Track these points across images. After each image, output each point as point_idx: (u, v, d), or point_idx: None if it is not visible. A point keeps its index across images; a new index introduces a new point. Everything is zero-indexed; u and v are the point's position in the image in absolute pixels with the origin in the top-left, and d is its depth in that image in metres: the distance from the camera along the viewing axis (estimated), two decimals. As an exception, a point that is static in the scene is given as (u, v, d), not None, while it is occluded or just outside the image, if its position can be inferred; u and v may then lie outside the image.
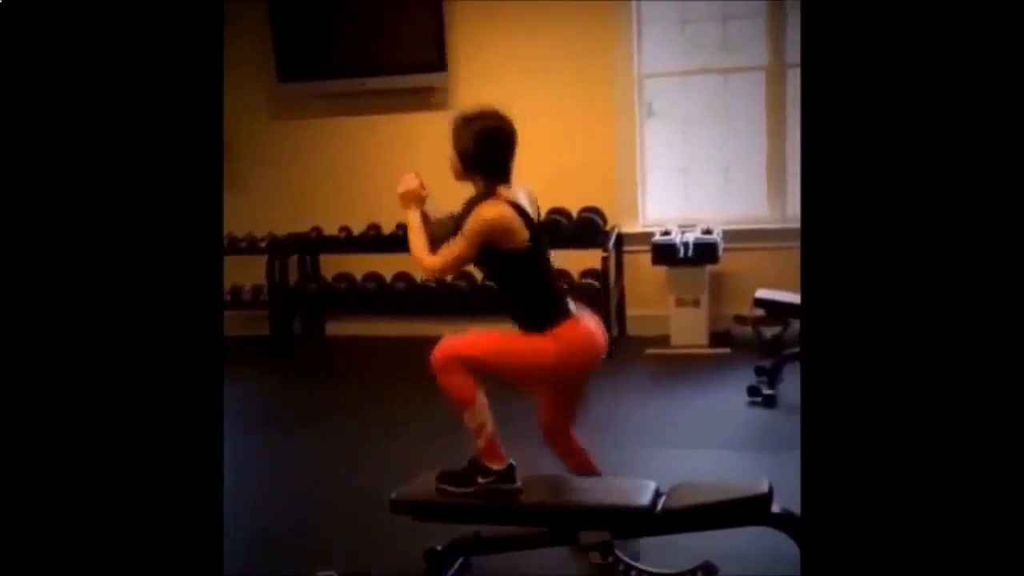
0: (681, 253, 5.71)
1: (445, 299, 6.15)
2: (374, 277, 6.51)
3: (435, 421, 3.49)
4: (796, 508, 2.25)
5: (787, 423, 4.17)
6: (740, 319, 5.81)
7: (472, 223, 2.72)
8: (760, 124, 6.13)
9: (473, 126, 2.77)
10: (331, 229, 6.58)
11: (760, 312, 5.25)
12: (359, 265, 6.53)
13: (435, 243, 2.84)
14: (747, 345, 5.64)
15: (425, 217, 2.90)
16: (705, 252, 5.73)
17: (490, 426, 2.69)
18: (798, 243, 1.74)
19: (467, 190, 2.84)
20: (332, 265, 6.69)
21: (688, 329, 5.84)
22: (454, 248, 2.75)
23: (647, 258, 5.89)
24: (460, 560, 2.85)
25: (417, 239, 2.84)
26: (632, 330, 6.23)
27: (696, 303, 5.84)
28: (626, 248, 6.22)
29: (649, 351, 5.84)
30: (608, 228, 6.08)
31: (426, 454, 3.70)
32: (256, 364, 6.00)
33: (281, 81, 6.56)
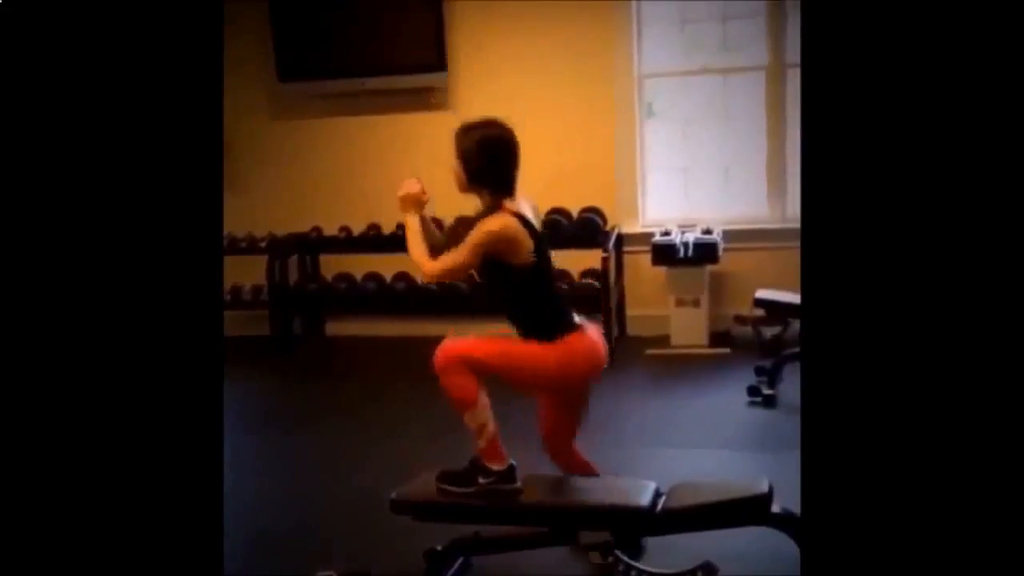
0: (681, 253, 5.71)
1: (445, 299, 6.15)
2: (374, 277, 6.51)
3: (435, 421, 3.49)
4: (796, 508, 2.25)
5: (787, 423, 4.17)
6: (740, 319, 5.81)
7: (476, 234, 2.71)
8: (760, 124, 6.13)
9: (477, 137, 2.76)
10: (331, 229, 6.58)
11: (760, 312, 5.25)
12: (359, 265, 6.53)
13: (435, 250, 2.84)
14: (747, 345, 5.64)
15: (424, 221, 2.90)
16: (705, 252, 5.73)
17: (491, 427, 2.69)
18: (798, 243, 1.74)
19: (470, 198, 2.84)
20: (332, 265, 6.69)
21: (688, 329, 5.84)
22: (455, 256, 2.75)
23: (647, 258, 5.89)
24: (460, 560, 2.85)
25: (416, 243, 2.83)
26: (632, 330, 6.23)
27: (696, 303, 5.84)
28: (626, 248, 6.22)
29: (649, 351, 5.84)
30: (608, 228, 6.08)
31: (426, 454, 3.71)
32: (256, 364, 6.00)
33: (281, 81, 6.56)
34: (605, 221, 6.10)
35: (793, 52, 5.84)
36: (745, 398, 4.69)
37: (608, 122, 6.21)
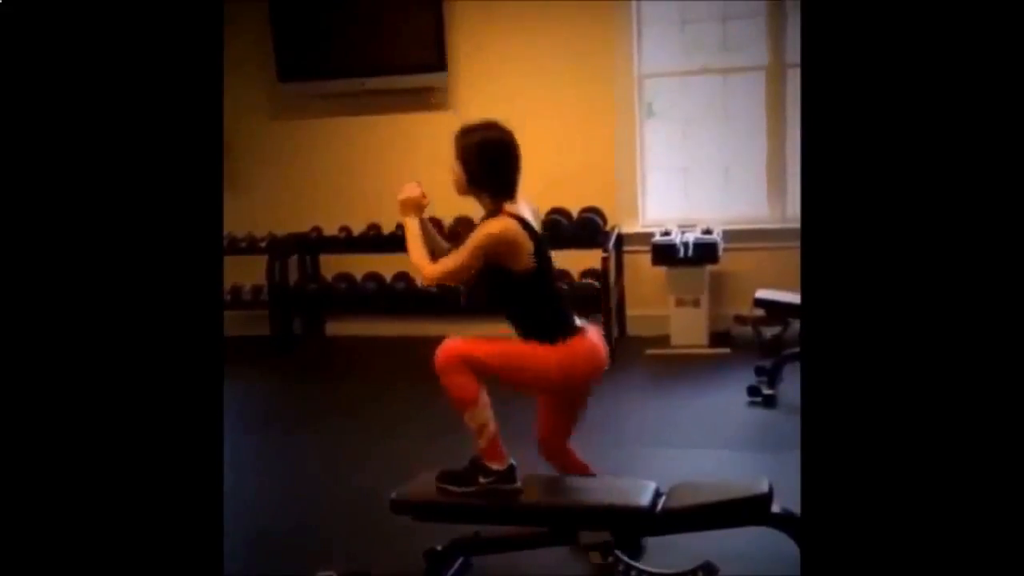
0: (681, 253, 5.71)
1: (445, 300, 6.14)
2: (374, 277, 6.51)
3: (435, 421, 3.50)
4: (796, 508, 2.25)
5: (787, 423, 4.17)
6: (740, 319, 5.81)
7: (476, 237, 2.71)
8: (760, 124, 6.13)
9: (477, 139, 2.76)
10: (331, 229, 6.58)
11: (760, 312, 5.25)
12: (359, 265, 6.53)
13: (436, 253, 2.84)
14: (747, 345, 5.64)
15: (424, 224, 2.89)
16: (705, 252, 5.73)
17: (492, 426, 2.69)
18: (798, 243, 1.74)
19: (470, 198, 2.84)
20: (332, 265, 6.69)
21: (688, 329, 5.84)
22: (455, 259, 2.75)
23: (647, 258, 5.89)
24: (460, 560, 2.85)
25: (416, 247, 2.83)
26: (632, 330, 6.23)
27: (696, 303, 5.84)
28: (626, 248, 6.22)
29: (649, 351, 5.84)
30: (608, 228, 6.08)
31: (426, 454, 3.71)
32: (256, 364, 6.00)
33: (281, 81, 6.56)
34: (605, 221, 6.10)
35: (793, 52, 5.84)
36: (745, 398, 4.69)
37: (608, 122, 6.21)
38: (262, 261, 6.40)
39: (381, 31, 6.33)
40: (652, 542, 2.83)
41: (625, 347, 5.91)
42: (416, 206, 2.88)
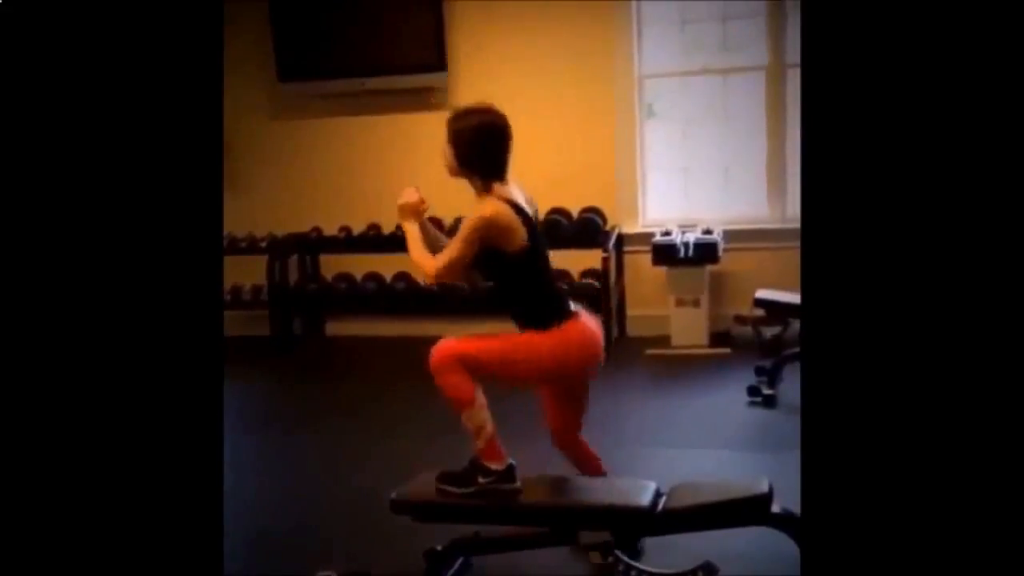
0: (681, 253, 5.71)
1: (445, 299, 6.15)
2: (374, 277, 6.51)
3: (435, 421, 3.49)
4: (796, 508, 2.25)
5: (787, 423, 4.17)
6: (740, 319, 5.80)
7: (470, 222, 2.71)
8: (760, 124, 6.13)
9: (468, 122, 2.76)
10: (331, 229, 6.58)
11: (760, 312, 5.25)
12: (359, 265, 6.53)
13: (435, 253, 2.84)
14: (747, 345, 5.64)
15: (424, 226, 2.89)
16: (705, 252, 5.73)
17: (489, 427, 2.69)
18: (798, 243, 1.74)
19: (468, 192, 2.84)
20: (332, 265, 6.69)
21: (688, 329, 5.84)
22: (454, 249, 2.74)
23: (647, 258, 5.89)
24: (460, 560, 2.85)
25: (417, 247, 2.83)
26: (632, 330, 6.23)
27: (696, 303, 5.84)
28: (626, 248, 6.22)
29: (649, 351, 5.84)
30: (608, 228, 6.08)
31: (426, 454, 3.71)
32: (256, 364, 5.99)
33: (281, 81, 6.56)
34: (605, 221, 6.11)
35: (793, 52, 5.84)
36: (745, 398, 4.69)
37: (608, 122, 6.21)
38: (262, 261, 6.40)
39: (381, 31, 6.33)
40: (652, 542, 2.83)
41: (625, 347, 5.92)
42: (414, 211, 2.87)
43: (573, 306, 2.83)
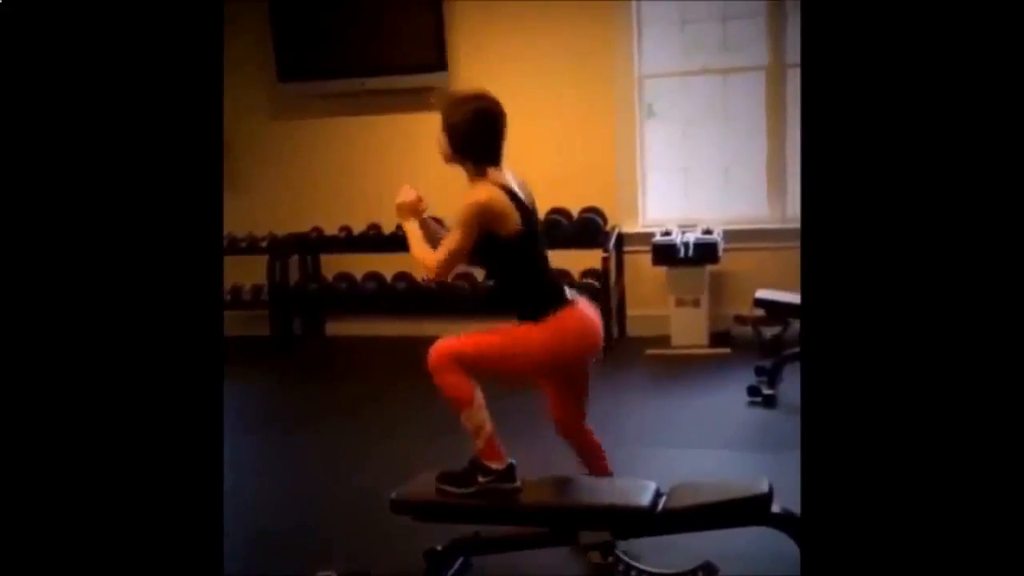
0: (681, 253, 5.71)
1: (445, 299, 6.15)
2: (374, 277, 6.51)
3: (435, 421, 3.49)
4: (796, 508, 2.25)
5: (787, 423, 4.17)
6: (740, 319, 5.81)
7: (465, 210, 2.70)
8: (760, 124, 6.13)
9: (463, 108, 2.76)
10: (331, 229, 6.58)
11: (760, 312, 5.25)
12: (359, 265, 6.53)
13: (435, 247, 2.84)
14: (747, 345, 5.64)
15: (425, 224, 2.89)
16: (705, 252, 5.73)
17: (488, 427, 2.68)
18: (798, 243, 1.74)
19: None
20: (332, 265, 6.69)
21: (688, 329, 5.84)
22: (452, 240, 2.72)
23: (647, 258, 5.89)
24: (460, 560, 2.85)
25: (417, 245, 2.83)
26: (632, 330, 6.23)
27: (696, 303, 5.84)
28: (626, 248, 6.22)
29: (649, 351, 5.84)
30: (608, 228, 6.08)
31: (426, 454, 3.71)
32: (256, 364, 5.99)
33: (281, 81, 6.56)
34: (605, 221, 6.11)
35: (793, 52, 5.84)
36: (745, 398, 4.69)
37: (608, 122, 6.21)
38: (262, 261, 6.40)
39: (381, 31, 6.33)
40: (652, 542, 2.83)
41: (625, 347, 5.92)
42: (412, 210, 2.87)
43: (570, 294, 2.83)
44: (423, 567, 2.78)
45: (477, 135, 2.74)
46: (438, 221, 2.98)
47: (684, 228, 5.96)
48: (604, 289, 5.81)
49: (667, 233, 5.92)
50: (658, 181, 6.39)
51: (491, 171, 2.75)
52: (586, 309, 2.83)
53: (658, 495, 2.70)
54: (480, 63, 6.28)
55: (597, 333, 2.84)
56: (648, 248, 5.87)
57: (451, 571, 2.82)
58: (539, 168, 5.48)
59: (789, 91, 5.96)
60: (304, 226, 6.65)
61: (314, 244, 6.68)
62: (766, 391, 4.66)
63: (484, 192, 2.70)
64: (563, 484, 2.91)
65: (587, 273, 5.96)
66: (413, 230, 2.85)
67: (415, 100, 6.34)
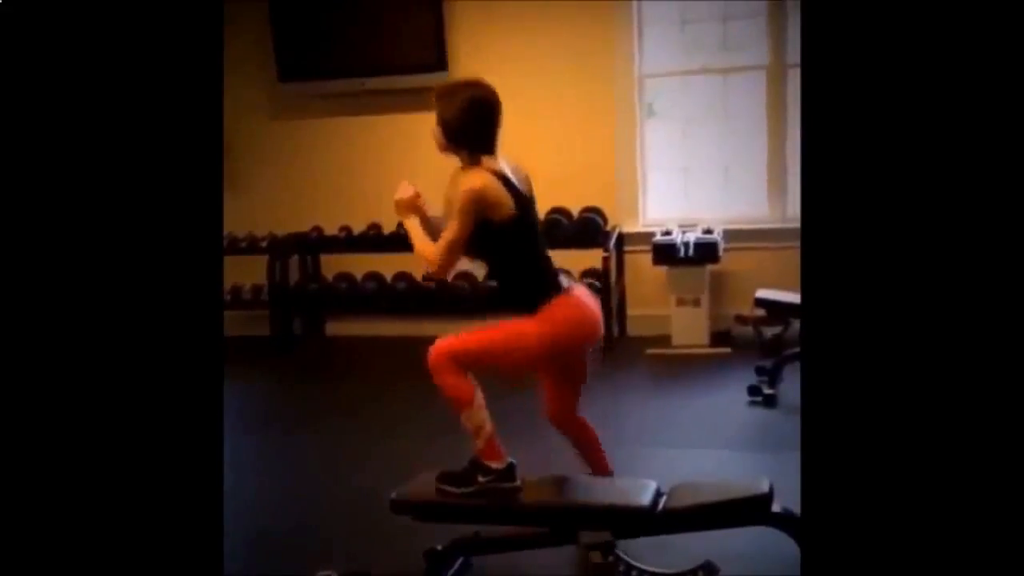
0: (682, 253, 5.71)
1: (445, 299, 6.15)
2: (374, 277, 6.51)
3: (435, 421, 3.49)
4: (796, 508, 2.25)
5: (787, 423, 4.17)
6: (741, 319, 5.81)
7: (461, 199, 2.69)
8: (760, 124, 6.13)
9: (458, 97, 2.76)
10: (331, 229, 6.58)
11: (761, 312, 5.25)
12: (359, 265, 6.53)
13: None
14: (747, 345, 5.64)
15: (427, 221, 2.89)
16: (706, 252, 5.73)
17: (488, 426, 2.68)
18: (798, 243, 1.74)
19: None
20: (332, 265, 6.69)
21: (689, 329, 5.84)
22: (451, 231, 2.72)
23: (648, 258, 5.89)
24: (460, 560, 2.85)
25: (419, 239, 2.83)
26: (633, 330, 6.23)
27: (697, 303, 5.84)
28: (627, 248, 6.22)
29: (650, 351, 5.84)
30: (609, 228, 6.08)
31: (426, 454, 3.71)
32: (256, 364, 6.00)
33: (281, 81, 6.56)
34: (606, 221, 6.11)
35: (793, 52, 5.84)
36: (745, 398, 4.69)
37: (608, 122, 6.21)
38: (262, 261, 6.40)
39: (381, 31, 6.33)
40: (652, 542, 2.83)
41: (625, 347, 5.91)
42: (411, 206, 2.87)
43: (566, 281, 2.82)
44: (423, 567, 2.78)
45: (471, 124, 2.75)
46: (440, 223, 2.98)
47: (684, 228, 5.96)
48: (604, 289, 5.81)
49: (667, 233, 5.92)
50: (658, 181, 6.39)
51: (485, 159, 2.75)
52: (583, 297, 2.82)
53: (658, 495, 2.70)
54: (480, 63, 6.27)
55: (595, 321, 2.84)
56: (648, 248, 5.87)
57: (451, 571, 2.82)
58: (539, 168, 5.46)
59: (789, 91, 5.96)
60: (304, 226, 6.65)
61: (314, 244, 6.68)
62: (766, 391, 4.66)
63: (479, 179, 2.70)
64: (563, 484, 2.91)
65: (587, 273, 5.96)
66: (413, 226, 2.85)
67: (415, 100, 6.33)
